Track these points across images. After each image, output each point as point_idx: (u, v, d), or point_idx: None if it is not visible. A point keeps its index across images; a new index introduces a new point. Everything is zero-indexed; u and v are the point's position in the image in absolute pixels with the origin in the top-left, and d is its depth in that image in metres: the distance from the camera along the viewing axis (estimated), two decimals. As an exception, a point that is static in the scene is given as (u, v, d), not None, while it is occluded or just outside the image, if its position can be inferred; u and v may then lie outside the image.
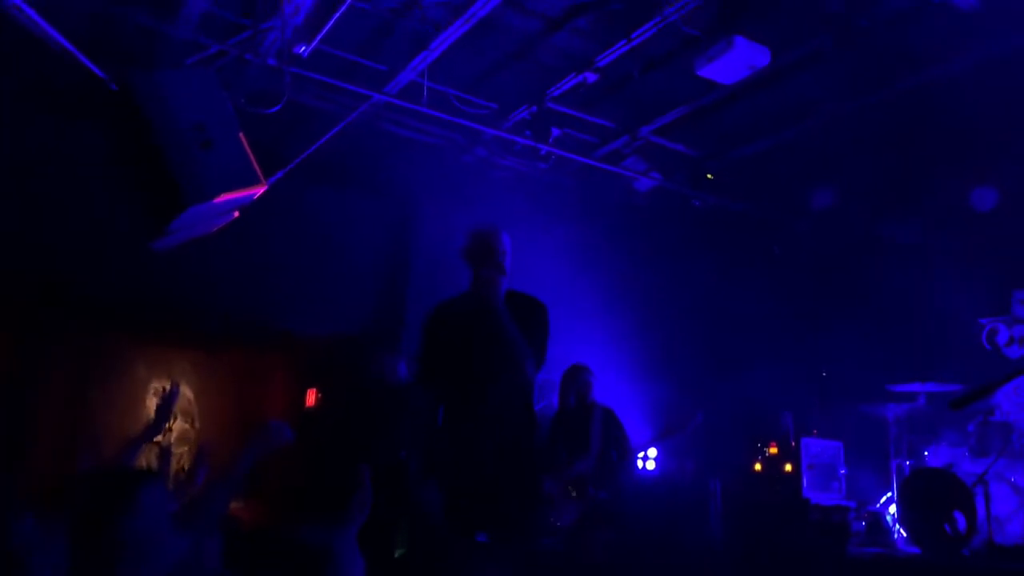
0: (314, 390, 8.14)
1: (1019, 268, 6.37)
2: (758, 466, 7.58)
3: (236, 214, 4.90)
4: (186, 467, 8.65)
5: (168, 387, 3.85)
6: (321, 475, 6.31)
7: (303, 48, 5.33)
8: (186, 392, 8.80)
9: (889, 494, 6.68)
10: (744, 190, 7.94)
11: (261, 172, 4.51)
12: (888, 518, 6.64)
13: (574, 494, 5.53)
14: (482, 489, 3.47)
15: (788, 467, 7.30)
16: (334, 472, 5.98)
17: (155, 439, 8.49)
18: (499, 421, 3.50)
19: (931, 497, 5.90)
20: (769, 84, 6.20)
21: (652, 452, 7.72)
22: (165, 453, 3.92)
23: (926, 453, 6.55)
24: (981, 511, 5.55)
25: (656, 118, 6.90)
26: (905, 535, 6.29)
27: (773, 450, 7.46)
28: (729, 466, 7.42)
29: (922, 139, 6.71)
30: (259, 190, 4.58)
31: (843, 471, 7.21)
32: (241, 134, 4.49)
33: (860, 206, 7.64)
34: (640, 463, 7.63)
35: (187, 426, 8.74)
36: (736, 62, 5.22)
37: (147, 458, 7.29)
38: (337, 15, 5.10)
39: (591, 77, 5.98)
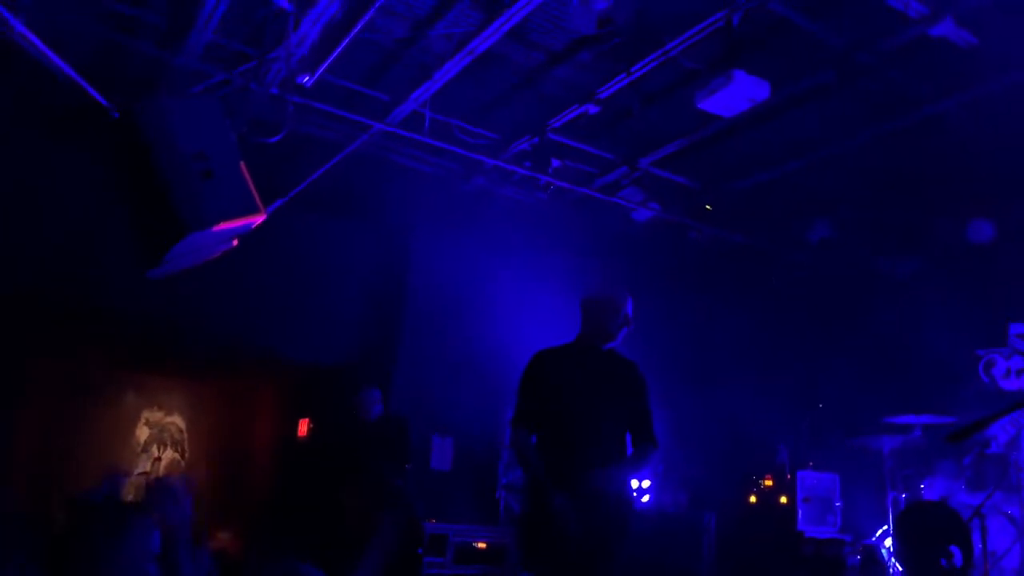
0: (307, 420, 8.05)
1: (1016, 300, 6.41)
2: (753, 498, 7.54)
3: (235, 243, 4.87)
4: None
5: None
6: (307, 507, 6.21)
7: (307, 78, 5.32)
8: (177, 422, 8.71)
9: (885, 527, 6.64)
10: (742, 222, 7.97)
11: (260, 201, 4.50)
12: (884, 552, 6.60)
13: None
14: (558, 535, 3.40)
15: (783, 499, 7.27)
16: (318, 504, 5.90)
17: (144, 471, 8.43)
18: (584, 472, 3.45)
19: (927, 531, 5.86)
20: (769, 118, 6.25)
21: (646, 483, 7.67)
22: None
23: (922, 486, 6.53)
24: (978, 545, 5.52)
25: (655, 150, 6.93)
26: (901, 569, 6.25)
27: (768, 482, 7.43)
28: (724, 498, 7.37)
29: (920, 174, 6.77)
30: (258, 219, 4.55)
31: (839, 504, 7.17)
32: (242, 163, 4.47)
33: (858, 239, 7.68)
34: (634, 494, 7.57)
35: (176, 456, 8.64)
36: (736, 95, 5.24)
37: (132, 490, 7.19)
38: (342, 46, 5.10)
39: (592, 109, 6.00)
